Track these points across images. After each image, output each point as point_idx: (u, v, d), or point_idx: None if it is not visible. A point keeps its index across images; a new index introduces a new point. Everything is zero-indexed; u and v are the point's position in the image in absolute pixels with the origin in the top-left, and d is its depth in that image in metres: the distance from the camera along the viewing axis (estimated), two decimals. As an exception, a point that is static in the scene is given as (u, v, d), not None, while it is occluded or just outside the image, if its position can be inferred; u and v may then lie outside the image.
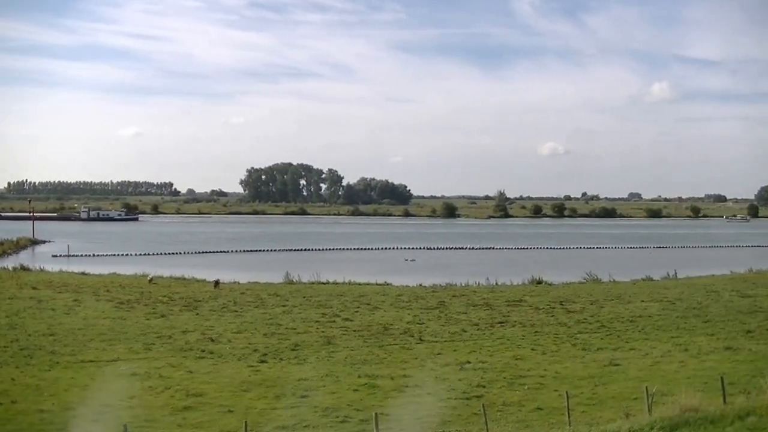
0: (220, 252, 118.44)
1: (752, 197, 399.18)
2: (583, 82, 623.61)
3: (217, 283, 64.15)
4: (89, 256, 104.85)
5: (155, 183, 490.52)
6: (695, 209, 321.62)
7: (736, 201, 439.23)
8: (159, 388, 28.75)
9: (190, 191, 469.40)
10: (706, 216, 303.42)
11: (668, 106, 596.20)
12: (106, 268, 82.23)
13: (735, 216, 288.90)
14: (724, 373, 27.16)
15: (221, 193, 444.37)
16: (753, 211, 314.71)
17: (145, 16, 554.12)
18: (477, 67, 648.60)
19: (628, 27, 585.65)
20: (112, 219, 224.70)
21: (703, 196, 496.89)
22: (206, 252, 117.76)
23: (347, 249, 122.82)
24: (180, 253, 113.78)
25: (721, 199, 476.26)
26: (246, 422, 20.01)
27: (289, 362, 34.58)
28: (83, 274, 74.68)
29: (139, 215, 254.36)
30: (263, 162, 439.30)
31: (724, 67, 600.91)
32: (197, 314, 49.20)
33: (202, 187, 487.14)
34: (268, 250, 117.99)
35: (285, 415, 25.17)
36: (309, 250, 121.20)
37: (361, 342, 39.85)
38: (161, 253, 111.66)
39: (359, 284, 68.52)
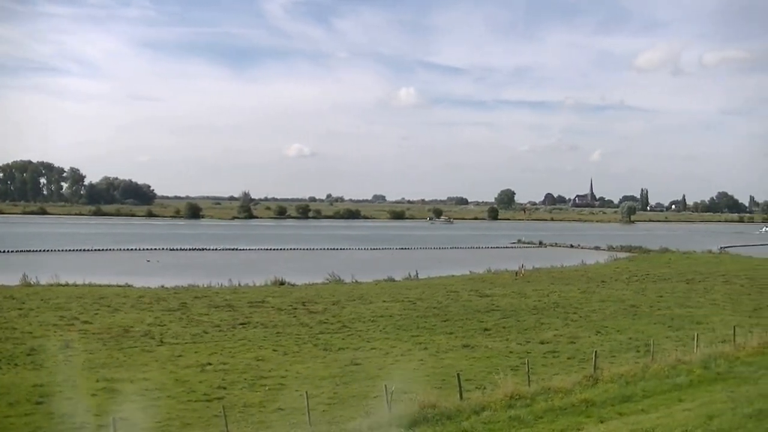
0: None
1: (492, 200, 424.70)
2: (332, 85, 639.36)
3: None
4: None
5: None
6: (395, 212, 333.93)
7: (477, 204, 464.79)
8: None
9: None
10: (413, 218, 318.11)
11: (415, 111, 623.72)
12: None
13: (438, 218, 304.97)
14: (462, 370, 29.00)
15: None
16: (493, 214, 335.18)
17: None
18: (226, 67, 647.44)
19: (377, 32, 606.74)
20: None
21: (446, 198, 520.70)
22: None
23: (88, 250, 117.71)
24: None
25: (463, 202, 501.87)
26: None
27: (24, 368, 32.92)
28: None
29: None
30: (1, 159, 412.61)
31: (468, 75, 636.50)
32: None
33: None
34: (4, 251, 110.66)
35: (18, 424, 24.14)
36: (49, 251, 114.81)
37: (101, 345, 38.69)
38: None
39: (100, 286, 66.02)
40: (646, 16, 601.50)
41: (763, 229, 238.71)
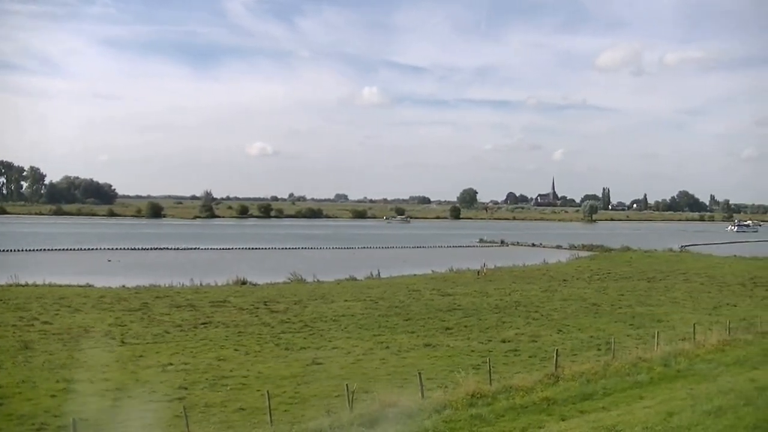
0: None
1: (455, 199, 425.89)
2: (294, 84, 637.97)
3: None
4: None
5: None
6: (357, 211, 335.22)
7: (440, 203, 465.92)
8: None
9: None
10: (375, 217, 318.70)
11: (378, 110, 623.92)
12: None
13: (395, 217, 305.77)
14: (423, 369, 29.08)
15: None
16: (455, 213, 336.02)
17: None
18: (189, 65, 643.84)
19: (340, 31, 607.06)
20: None
21: (408, 198, 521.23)
22: None
23: (49, 250, 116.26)
24: None
25: (425, 201, 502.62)
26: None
27: (-18, 369, 32.58)
28: None
29: None
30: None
31: (431, 74, 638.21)
32: None
33: None
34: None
35: (-25, 425, 23.89)
36: (8, 251, 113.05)
37: (61, 345, 38.32)
38: None
39: (60, 286, 65.39)
40: (607, 16, 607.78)
41: (730, 227, 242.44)
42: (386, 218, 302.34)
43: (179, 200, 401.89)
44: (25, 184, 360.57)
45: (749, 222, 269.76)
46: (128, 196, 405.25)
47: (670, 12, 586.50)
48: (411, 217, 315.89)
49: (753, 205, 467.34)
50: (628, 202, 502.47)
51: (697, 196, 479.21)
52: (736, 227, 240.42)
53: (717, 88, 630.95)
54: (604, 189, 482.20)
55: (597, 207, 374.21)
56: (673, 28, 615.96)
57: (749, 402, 20.12)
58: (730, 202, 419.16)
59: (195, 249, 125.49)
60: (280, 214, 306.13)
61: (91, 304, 53.76)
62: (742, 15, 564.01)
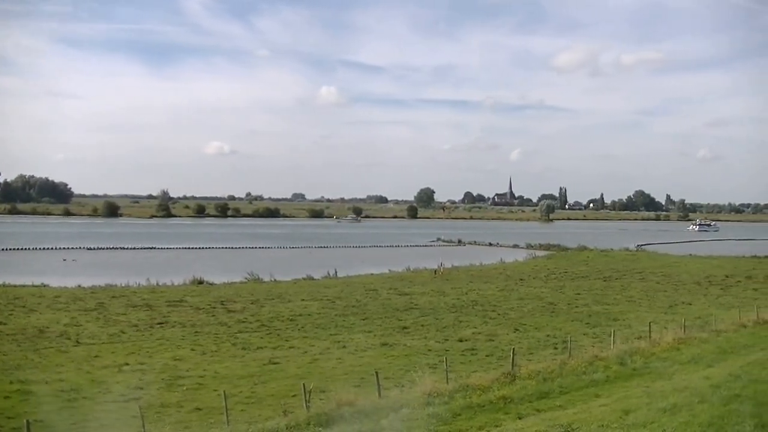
0: None
1: (412, 199, 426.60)
2: (252, 84, 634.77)
3: None
4: None
5: None
6: (314, 211, 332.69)
7: (397, 202, 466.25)
8: None
9: None
10: (332, 216, 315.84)
11: (336, 110, 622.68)
12: None
13: (346, 217, 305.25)
14: (380, 369, 29.06)
15: None
16: (412, 212, 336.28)
17: None
18: (146, 64, 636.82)
19: (298, 30, 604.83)
20: None
21: (365, 197, 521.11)
22: None
23: (3, 249, 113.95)
24: None
25: (383, 200, 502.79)
26: None
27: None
28: None
29: None
30: None
31: (389, 73, 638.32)
32: None
33: None
34: None
35: (-74, 428, 23.54)
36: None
37: (15, 346, 37.90)
38: None
39: (14, 286, 64.45)
40: (564, 17, 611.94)
41: (692, 227, 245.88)
42: (336, 218, 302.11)
43: (136, 199, 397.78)
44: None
45: (711, 222, 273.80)
46: (84, 196, 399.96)
47: (626, 13, 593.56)
48: (368, 217, 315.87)
49: (708, 204, 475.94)
50: (584, 202, 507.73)
51: (653, 195, 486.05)
52: (697, 227, 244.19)
53: (672, 89, 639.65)
54: (561, 189, 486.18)
55: (554, 206, 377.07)
56: (629, 30, 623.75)
57: (704, 399, 20.37)
58: (686, 202, 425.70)
59: (152, 248, 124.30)
60: (237, 214, 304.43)
61: (46, 304, 53.17)
62: (697, 17, 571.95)
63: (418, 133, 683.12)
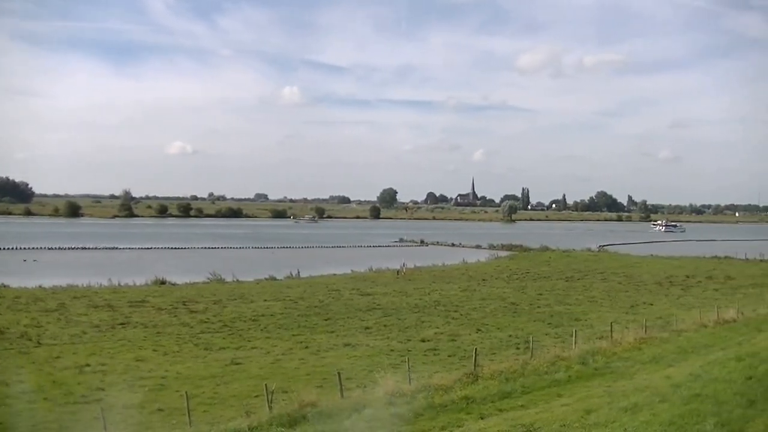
0: None
1: (375, 199, 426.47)
2: (214, 83, 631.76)
3: None
4: None
5: None
6: (276, 211, 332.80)
7: (360, 203, 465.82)
8: None
9: None
10: (295, 216, 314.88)
11: (298, 110, 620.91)
12: None
13: (303, 217, 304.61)
14: (343, 369, 29.15)
15: None
16: (375, 213, 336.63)
17: None
18: (108, 63, 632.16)
19: (261, 30, 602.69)
20: None
21: (328, 197, 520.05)
22: None
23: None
24: None
25: (345, 200, 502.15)
26: None
27: None
28: None
29: None
30: None
31: (351, 73, 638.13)
32: None
33: None
34: None
35: None
36: None
37: (-27, 348, 37.53)
38: None
39: (-28, 287, 63.69)
40: (526, 19, 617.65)
41: (658, 228, 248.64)
42: (293, 218, 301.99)
43: (98, 199, 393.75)
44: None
45: (677, 223, 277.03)
46: (46, 195, 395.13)
47: (588, 15, 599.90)
48: (330, 217, 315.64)
49: (670, 205, 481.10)
50: (547, 203, 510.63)
51: (615, 196, 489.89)
52: (664, 227, 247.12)
53: (634, 91, 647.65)
54: (523, 189, 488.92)
55: (516, 207, 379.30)
56: (591, 31, 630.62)
57: (665, 399, 20.65)
58: (647, 203, 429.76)
59: (113, 249, 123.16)
60: (200, 214, 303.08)
61: (6, 305, 52.69)
62: (659, 19, 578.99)
63: (381, 133, 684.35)
